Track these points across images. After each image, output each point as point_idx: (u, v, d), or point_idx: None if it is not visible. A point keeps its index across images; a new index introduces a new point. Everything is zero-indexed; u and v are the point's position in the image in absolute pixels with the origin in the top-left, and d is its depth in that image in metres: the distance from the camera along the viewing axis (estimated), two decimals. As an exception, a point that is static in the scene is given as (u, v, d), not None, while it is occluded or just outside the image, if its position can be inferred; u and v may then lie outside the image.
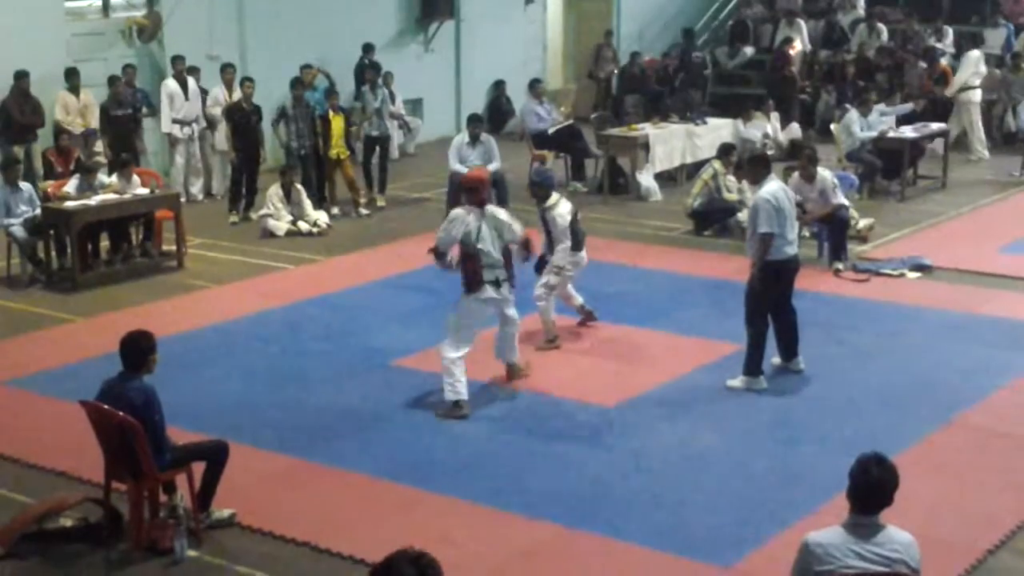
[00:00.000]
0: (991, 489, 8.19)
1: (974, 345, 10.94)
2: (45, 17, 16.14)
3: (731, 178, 14.88)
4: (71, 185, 13.47)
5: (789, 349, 10.24)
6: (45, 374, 10.39)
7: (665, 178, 17.55)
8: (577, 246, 10.90)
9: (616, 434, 9.11)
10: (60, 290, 12.92)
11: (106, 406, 7.23)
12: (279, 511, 7.88)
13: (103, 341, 10.16)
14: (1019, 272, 13.08)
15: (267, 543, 7.53)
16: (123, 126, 16.09)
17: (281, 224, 15.02)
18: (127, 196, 13.49)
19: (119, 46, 17.19)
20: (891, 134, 17.02)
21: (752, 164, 10.26)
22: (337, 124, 16.14)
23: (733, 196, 14.79)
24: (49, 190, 13.85)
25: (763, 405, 9.64)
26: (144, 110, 16.52)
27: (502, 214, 9.86)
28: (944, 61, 21.15)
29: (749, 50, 23.83)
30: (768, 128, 18.78)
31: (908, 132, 17.31)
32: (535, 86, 18.92)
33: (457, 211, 9.84)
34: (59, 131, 15.39)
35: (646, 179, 17.06)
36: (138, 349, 7.33)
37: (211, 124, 16.91)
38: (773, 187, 9.83)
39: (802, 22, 22.89)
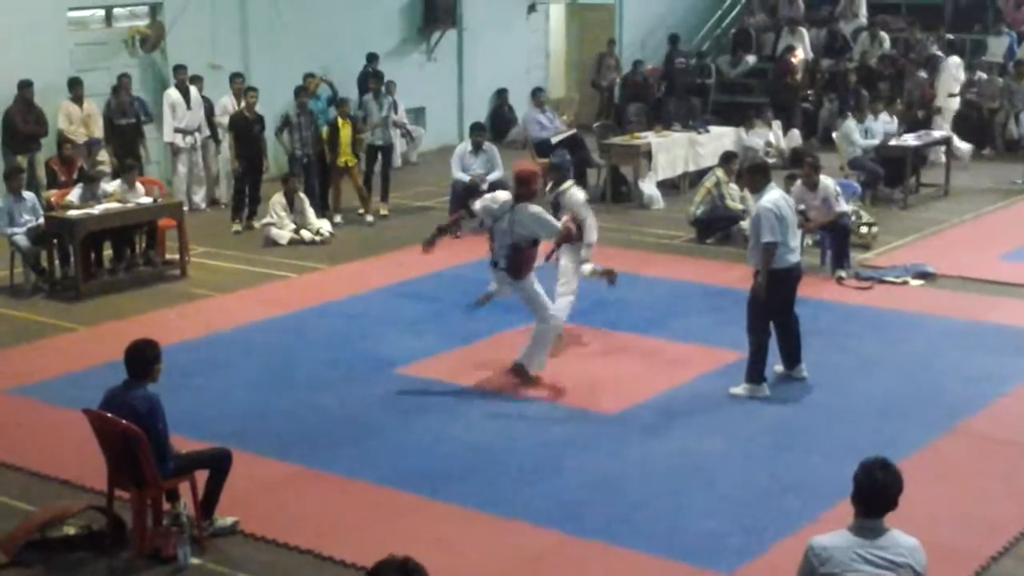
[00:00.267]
0: (994, 496, 8.20)
1: (977, 352, 10.94)
2: (48, 27, 16.18)
3: (734, 186, 14.89)
4: (74, 194, 13.49)
5: (792, 357, 10.24)
6: (48, 383, 10.40)
7: (668, 186, 17.55)
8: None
9: (618, 441, 9.11)
10: (63, 299, 12.93)
11: (109, 414, 7.24)
12: (282, 519, 7.88)
13: (106, 350, 10.19)
14: (1022, 280, 13.08)
15: (270, 551, 7.53)
16: (127, 135, 16.13)
17: (284, 233, 15.04)
18: (130, 205, 13.51)
19: (122, 56, 17.22)
20: (893, 142, 17.03)
21: (751, 173, 10.25)
22: (346, 132, 16.17)
23: (736, 204, 14.79)
24: (52, 199, 13.88)
25: (766, 413, 9.64)
26: (142, 118, 16.54)
27: (533, 213, 10.01)
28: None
29: (751, 58, 23.86)
30: (770, 136, 18.79)
31: (910, 140, 17.33)
32: (537, 95, 18.95)
33: (503, 194, 10.31)
34: (62, 140, 15.43)
35: (649, 187, 17.07)
36: (143, 358, 7.34)
37: (214, 137, 16.92)
38: (774, 196, 9.84)
39: (804, 30, 22.92)
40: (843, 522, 5.44)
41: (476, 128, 16.06)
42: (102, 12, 17.16)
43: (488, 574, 7.26)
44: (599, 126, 19.31)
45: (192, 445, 8.03)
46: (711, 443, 9.07)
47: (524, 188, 10.13)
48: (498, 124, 22.08)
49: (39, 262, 13.26)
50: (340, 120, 16.20)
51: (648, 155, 17.26)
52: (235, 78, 16.75)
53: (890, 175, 16.91)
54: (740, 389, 9.93)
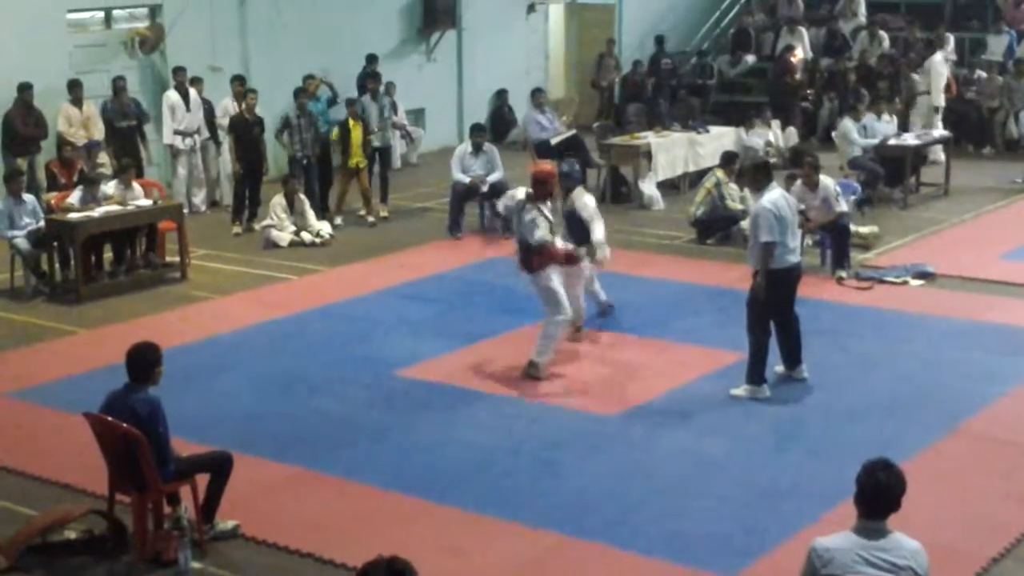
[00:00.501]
0: (995, 496, 8.19)
1: (977, 352, 10.94)
2: (48, 29, 16.18)
3: (734, 186, 14.89)
4: (74, 197, 13.49)
5: (792, 357, 10.24)
6: (49, 386, 10.39)
7: (668, 187, 17.55)
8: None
9: (619, 443, 9.11)
10: (64, 302, 12.93)
11: (110, 418, 7.24)
12: (283, 522, 7.88)
13: (107, 353, 10.19)
14: (1022, 279, 13.08)
15: (271, 554, 7.53)
16: (127, 137, 16.14)
17: (284, 235, 15.03)
18: (130, 208, 13.51)
19: (121, 58, 17.23)
20: (892, 141, 17.03)
21: (753, 171, 10.25)
22: (357, 133, 16.17)
23: (736, 205, 14.78)
24: (52, 202, 13.88)
25: (766, 413, 9.64)
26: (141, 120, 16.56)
27: (528, 218, 10.33)
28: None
29: (751, 58, 23.87)
30: (770, 136, 18.80)
31: (910, 139, 17.33)
32: (537, 95, 18.94)
33: (521, 191, 10.56)
34: (62, 143, 15.43)
35: (649, 188, 17.07)
36: (145, 361, 7.34)
37: (215, 140, 16.92)
38: (774, 195, 9.83)
39: (803, 30, 22.91)
40: (844, 523, 5.45)
41: (476, 129, 16.06)
42: (101, 14, 17.15)
43: (489, 577, 7.26)
44: (599, 126, 19.31)
45: (193, 448, 8.04)
46: (712, 444, 9.08)
47: (540, 188, 10.42)
48: (498, 125, 22.07)
49: (39, 265, 13.26)
50: (351, 121, 16.21)
51: (648, 155, 17.26)
52: (235, 80, 16.75)
53: (890, 175, 16.92)
54: (741, 390, 9.93)
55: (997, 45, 21.90)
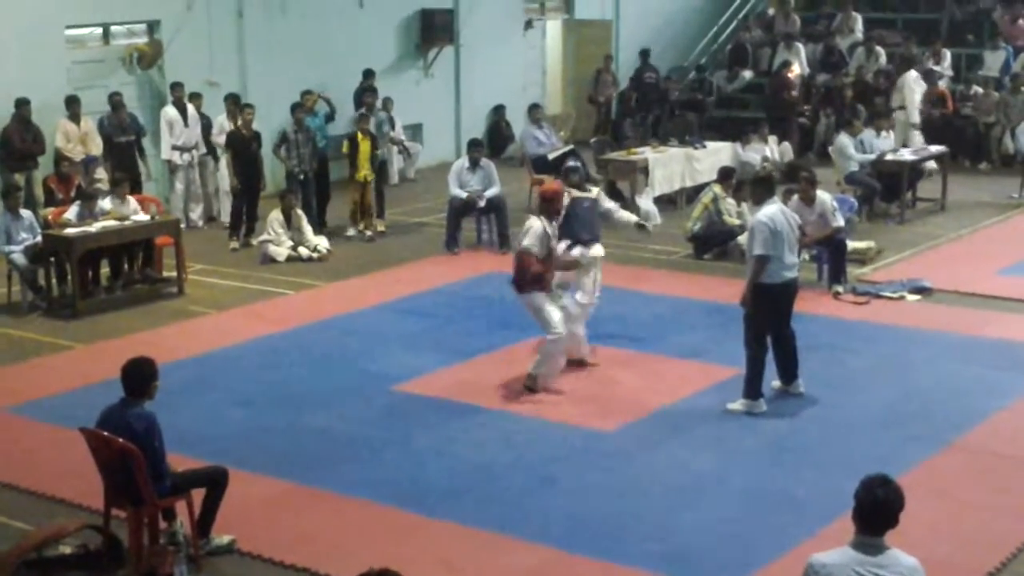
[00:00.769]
0: (992, 511, 8.19)
1: (974, 367, 10.94)
2: (46, 45, 16.20)
3: (731, 201, 14.91)
4: (72, 212, 13.49)
5: (789, 372, 10.24)
6: (45, 401, 10.38)
7: (665, 202, 17.58)
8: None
9: (616, 458, 9.10)
10: (60, 317, 12.93)
11: (106, 433, 7.24)
12: (279, 537, 7.87)
13: (103, 368, 10.18)
14: (1019, 294, 13.08)
15: (267, 569, 7.52)
16: (125, 152, 16.15)
17: (281, 250, 15.04)
18: (128, 223, 13.51)
19: (120, 73, 17.25)
20: (889, 156, 17.05)
21: (755, 185, 10.34)
22: (365, 147, 16.21)
23: (733, 220, 14.80)
24: (50, 217, 13.87)
25: (763, 428, 9.63)
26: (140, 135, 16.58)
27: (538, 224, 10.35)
28: (942, 84, 21.22)
29: (748, 74, 23.91)
30: (767, 151, 18.81)
31: (907, 154, 17.35)
32: (534, 111, 18.97)
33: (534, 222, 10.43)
34: (60, 158, 15.41)
35: (646, 203, 17.08)
36: (141, 376, 7.34)
37: (212, 155, 16.94)
38: (772, 210, 9.85)
39: (800, 45, 22.95)
40: (841, 538, 5.44)
41: (473, 144, 16.09)
42: (100, 30, 17.18)
43: (485, 592, 7.25)
44: (596, 142, 19.34)
45: (189, 463, 8.02)
46: (708, 459, 9.07)
47: (548, 206, 10.42)
48: (495, 140, 22.10)
49: (36, 280, 13.25)
50: (360, 135, 16.25)
51: (645, 171, 17.29)
52: (228, 99, 16.76)
53: (886, 190, 16.94)
54: (737, 405, 9.93)
55: (994, 61, 21.96)
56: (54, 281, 13.31)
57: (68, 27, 16.60)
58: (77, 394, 10.32)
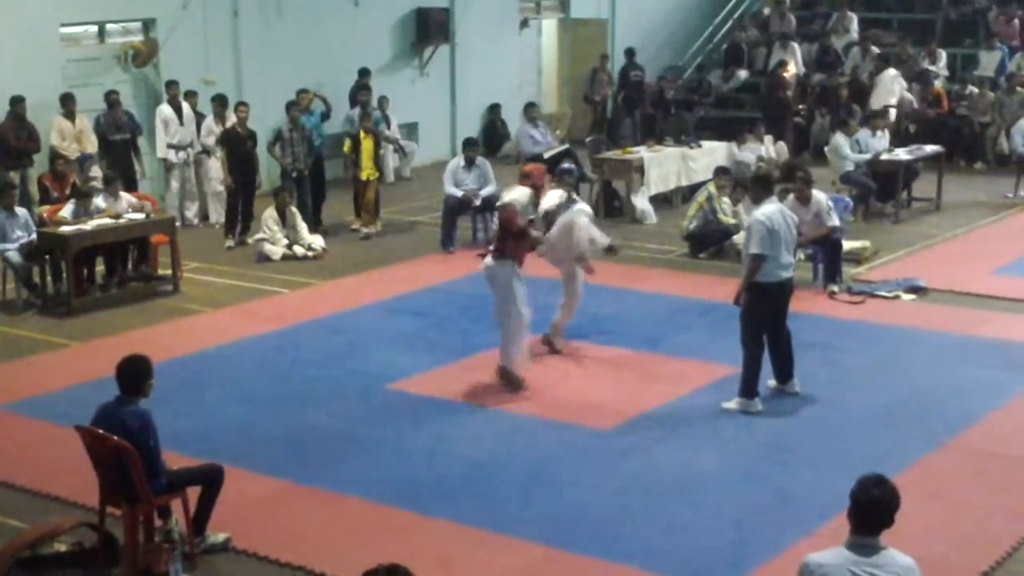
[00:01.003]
0: (987, 511, 8.19)
1: (969, 367, 10.95)
2: (41, 43, 16.18)
3: (727, 200, 14.92)
4: (67, 210, 13.48)
5: (784, 371, 10.25)
6: (40, 399, 10.37)
7: (660, 201, 17.58)
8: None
9: (612, 456, 9.10)
10: (56, 315, 12.91)
11: (101, 431, 7.23)
12: (274, 535, 7.86)
13: (98, 366, 10.15)
14: (1013, 293, 13.10)
15: (262, 567, 7.52)
16: (121, 150, 16.14)
17: (277, 248, 15.03)
18: (123, 221, 13.50)
19: (115, 71, 17.24)
20: (884, 156, 17.07)
21: (755, 184, 10.37)
22: (367, 145, 16.22)
23: (728, 219, 14.82)
24: (45, 215, 13.87)
25: (759, 427, 9.64)
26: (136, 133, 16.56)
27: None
28: (938, 84, 21.26)
29: (743, 73, 23.92)
30: (762, 151, 18.82)
31: (902, 154, 17.37)
32: (530, 110, 18.97)
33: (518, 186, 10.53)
34: (55, 156, 15.42)
35: (641, 202, 17.09)
36: (136, 373, 7.33)
37: (206, 153, 16.93)
38: (770, 209, 9.86)
39: (796, 45, 22.97)
40: (837, 538, 5.44)
41: (469, 143, 16.08)
42: (95, 28, 17.16)
43: (481, 590, 7.25)
44: (592, 141, 19.34)
45: (184, 461, 8.02)
46: (704, 458, 9.07)
47: (528, 180, 10.49)
48: (491, 139, 22.10)
49: (31, 278, 13.24)
50: (362, 134, 16.26)
51: (640, 170, 17.29)
52: (216, 100, 16.74)
53: (882, 189, 16.96)
54: (733, 403, 9.93)
55: (989, 61, 21.99)
56: (49, 279, 13.28)
57: (63, 25, 16.59)
58: (72, 392, 10.31)
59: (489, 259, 10.38)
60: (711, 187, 15.06)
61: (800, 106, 21.86)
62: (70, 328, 12.49)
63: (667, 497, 8.45)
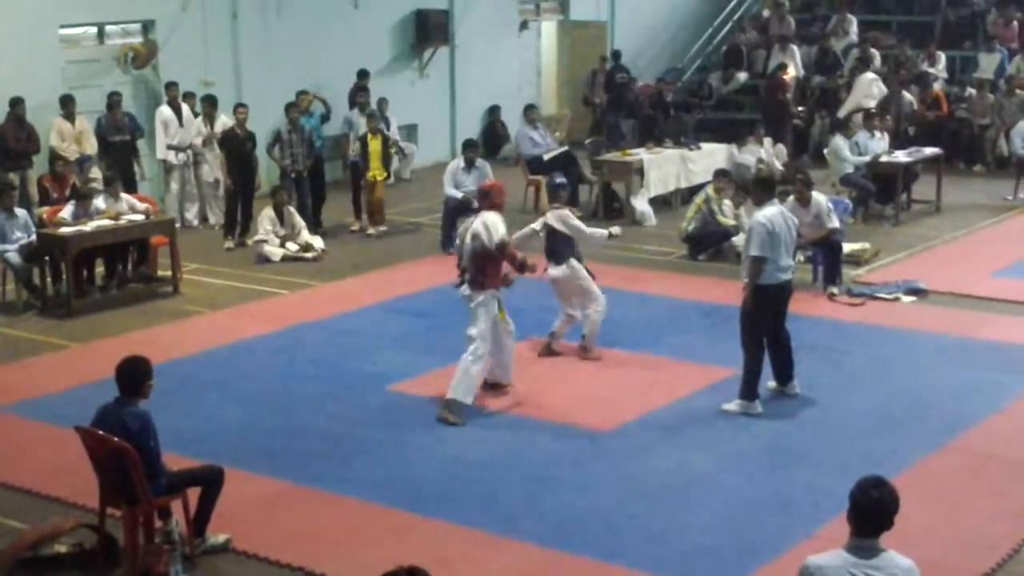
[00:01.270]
0: (986, 513, 8.19)
1: (969, 369, 10.95)
2: (40, 44, 16.18)
3: (727, 202, 14.92)
4: (66, 211, 13.48)
5: (784, 373, 10.25)
6: (40, 400, 10.37)
7: (660, 203, 17.59)
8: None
9: (611, 458, 9.10)
10: (55, 316, 12.91)
11: (101, 432, 7.23)
12: (274, 536, 7.86)
13: (98, 367, 10.15)
14: (1013, 296, 13.10)
15: (262, 568, 7.52)
16: (121, 152, 16.14)
17: (276, 250, 15.04)
18: (122, 222, 13.50)
19: (114, 73, 17.24)
20: (884, 158, 17.08)
21: (756, 186, 10.42)
22: (375, 145, 16.26)
23: (727, 220, 14.82)
24: (44, 216, 13.87)
25: (759, 429, 9.64)
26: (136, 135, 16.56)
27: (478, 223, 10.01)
28: (937, 86, 21.27)
29: (743, 75, 23.93)
30: (762, 153, 18.82)
31: (901, 156, 17.38)
32: (529, 112, 18.98)
33: (489, 215, 10.05)
34: (54, 157, 15.42)
35: (641, 204, 17.10)
36: (135, 374, 7.33)
37: (196, 154, 16.92)
38: (771, 212, 9.86)
39: (795, 48, 22.97)
40: (837, 540, 5.43)
41: (468, 145, 16.08)
42: (94, 29, 17.17)
43: (481, 592, 7.25)
44: (591, 143, 19.34)
45: (184, 462, 8.02)
46: (704, 459, 9.07)
47: (489, 201, 10.21)
48: (490, 141, 22.10)
49: (31, 279, 13.23)
50: (370, 135, 16.29)
51: (640, 172, 17.29)
52: (205, 101, 16.74)
53: (881, 192, 16.96)
54: (733, 405, 9.93)
55: (988, 63, 22.00)
56: (49, 280, 13.28)
57: (63, 26, 16.59)
58: (72, 393, 10.31)
59: (466, 288, 10.03)
60: (709, 189, 15.07)
61: (799, 108, 21.86)
62: (70, 329, 12.49)
63: (666, 499, 8.44)
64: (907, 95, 20.80)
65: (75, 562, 7.51)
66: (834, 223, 13.30)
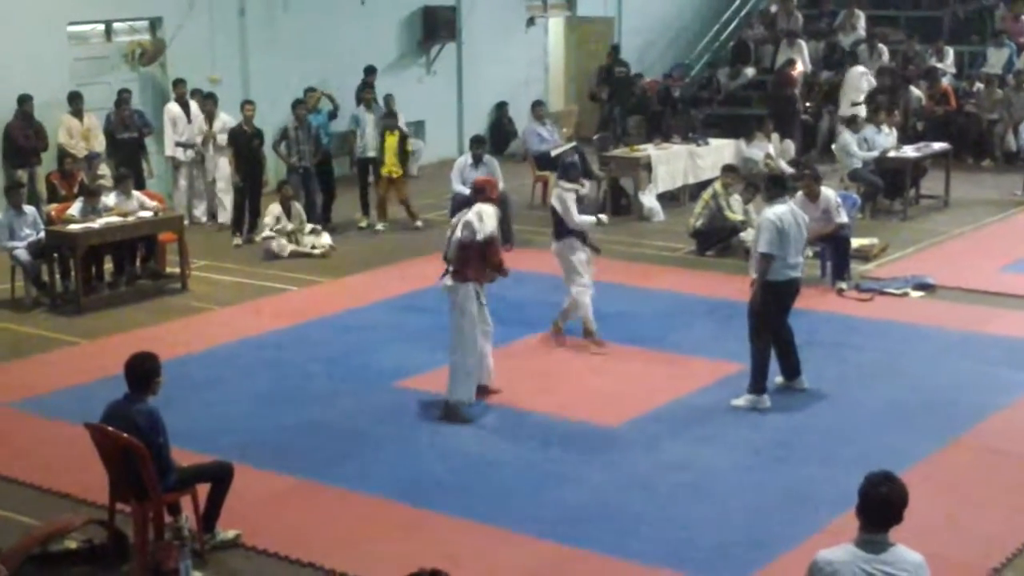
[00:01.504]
0: (995, 508, 8.19)
1: (977, 364, 10.94)
2: (48, 41, 16.21)
3: (736, 198, 14.91)
4: (75, 208, 13.50)
5: (791, 368, 10.25)
6: (49, 396, 10.39)
7: (668, 198, 17.57)
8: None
9: (621, 453, 9.10)
10: (64, 313, 12.93)
11: (111, 428, 7.24)
12: (283, 532, 7.88)
13: (107, 363, 10.18)
14: (1022, 291, 13.08)
15: (271, 564, 7.53)
16: (129, 149, 16.16)
17: (284, 245, 15.06)
18: (131, 219, 13.51)
19: (122, 70, 17.26)
20: (892, 153, 17.05)
21: (768, 183, 10.41)
22: (391, 142, 16.31)
23: (735, 215, 14.80)
24: (53, 213, 13.89)
25: (767, 424, 9.64)
26: (143, 131, 16.58)
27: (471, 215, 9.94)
28: (945, 81, 21.22)
29: (750, 71, 23.89)
30: (770, 148, 18.80)
31: (910, 151, 17.35)
32: (537, 107, 18.97)
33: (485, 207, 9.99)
34: (63, 154, 15.45)
35: (649, 199, 17.09)
36: (143, 371, 7.35)
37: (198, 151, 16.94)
38: (781, 209, 9.85)
39: (803, 43, 22.92)
40: (846, 534, 5.44)
41: (476, 141, 16.09)
42: (102, 27, 17.19)
43: (490, 587, 7.25)
44: (599, 138, 19.33)
45: (193, 458, 8.03)
46: (713, 454, 9.07)
47: (483, 195, 10.13)
48: (498, 137, 22.11)
49: (40, 276, 13.26)
50: (387, 132, 16.37)
51: (648, 167, 17.28)
52: (208, 98, 16.74)
53: (889, 187, 16.94)
54: (741, 400, 9.93)
55: (997, 58, 21.94)
56: (57, 277, 13.31)
57: (71, 23, 16.62)
58: (81, 390, 10.32)
59: (449, 280, 9.96)
60: (717, 185, 15.05)
61: (807, 104, 21.83)
62: (79, 326, 12.51)
63: (676, 493, 8.45)
64: (915, 90, 20.78)
65: (85, 558, 7.55)
66: (842, 218, 13.29)
